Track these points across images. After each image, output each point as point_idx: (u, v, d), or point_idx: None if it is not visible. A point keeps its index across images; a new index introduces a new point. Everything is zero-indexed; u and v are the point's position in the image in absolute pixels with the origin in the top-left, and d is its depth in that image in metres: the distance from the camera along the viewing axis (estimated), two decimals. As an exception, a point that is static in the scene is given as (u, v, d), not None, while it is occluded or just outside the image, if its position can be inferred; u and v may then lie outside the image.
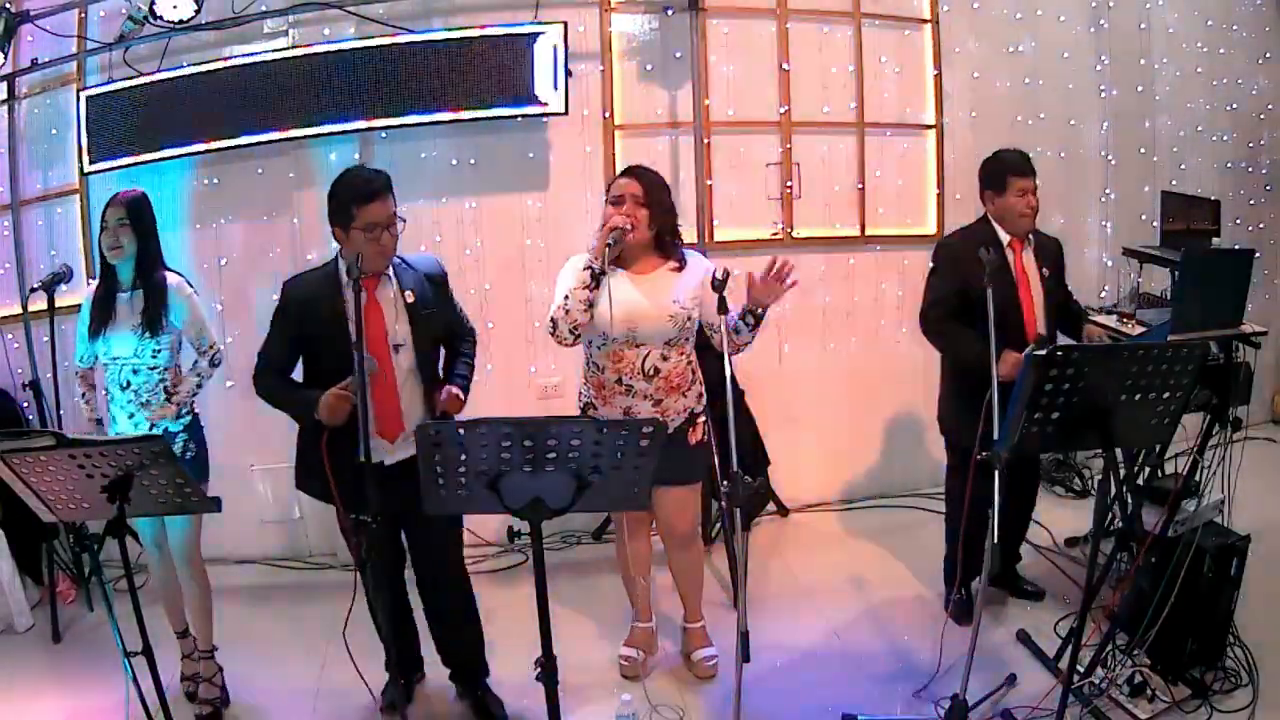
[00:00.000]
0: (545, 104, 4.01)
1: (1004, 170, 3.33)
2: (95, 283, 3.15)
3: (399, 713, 2.74)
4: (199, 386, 3.17)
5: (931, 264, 3.48)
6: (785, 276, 2.84)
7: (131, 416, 3.09)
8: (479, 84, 3.95)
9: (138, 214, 3.05)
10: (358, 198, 2.76)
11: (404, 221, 2.86)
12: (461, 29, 3.96)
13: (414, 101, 3.95)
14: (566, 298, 2.93)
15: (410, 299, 2.89)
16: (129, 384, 3.07)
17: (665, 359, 3.02)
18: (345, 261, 2.73)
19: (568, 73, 4.03)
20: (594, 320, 2.95)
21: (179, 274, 3.16)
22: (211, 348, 3.18)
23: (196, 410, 3.19)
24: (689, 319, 3.04)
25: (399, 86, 3.93)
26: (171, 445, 3.03)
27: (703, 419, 3.17)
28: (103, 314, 3.05)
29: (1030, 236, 3.40)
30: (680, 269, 3.06)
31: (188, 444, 3.13)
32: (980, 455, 2.71)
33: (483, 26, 3.95)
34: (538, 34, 3.94)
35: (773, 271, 2.84)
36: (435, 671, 3.26)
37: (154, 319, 3.04)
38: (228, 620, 3.43)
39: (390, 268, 2.89)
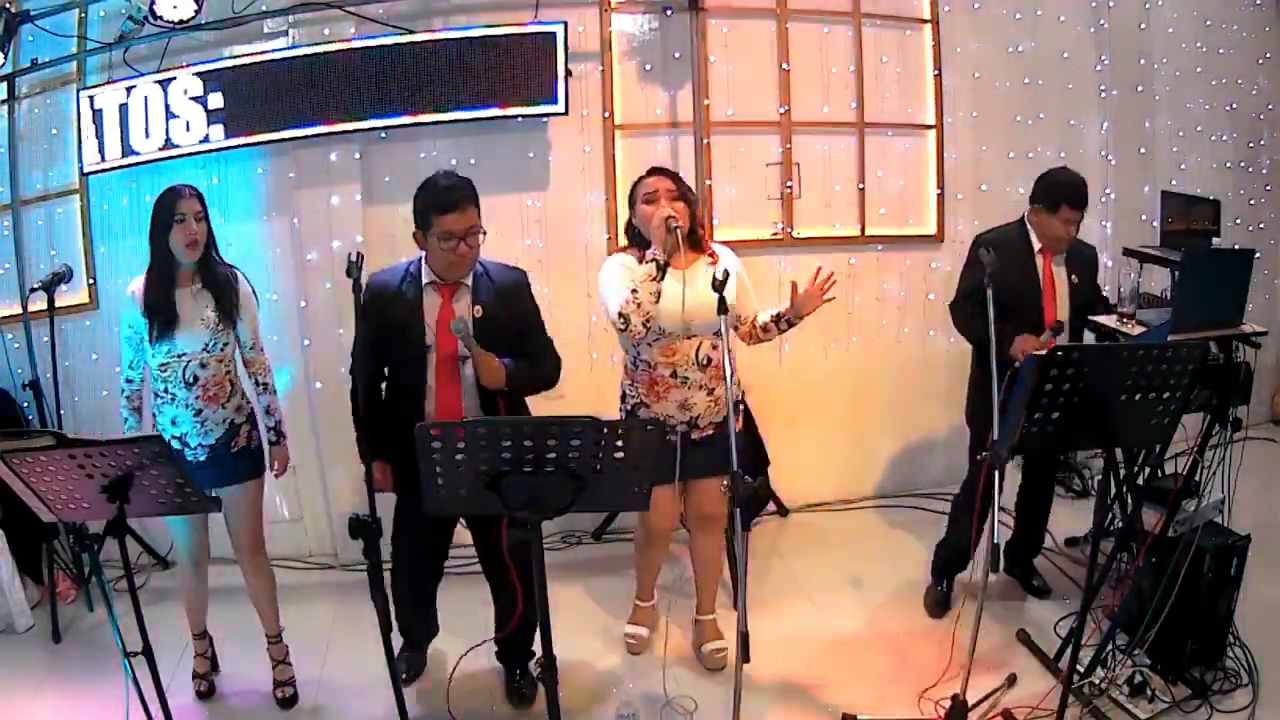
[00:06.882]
0: (545, 104, 4.01)
1: (1061, 198, 3.35)
2: (138, 280, 2.99)
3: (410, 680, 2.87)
4: (275, 392, 3.20)
5: (966, 257, 3.56)
6: (827, 289, 3.02)
7: (199, 414, 3.00)
8: (479, 84, 3.95)
9: (206, 205, 3.00)
10: (437, 206, 2.76)
11: (484, 233, 2.85)
12: (462, 29, 3.96)
13: (413, 101, 3.94)
14: (635, 292, 2.93)
15: (479, 314, 2.84)
16: (197, 379, 2.98)
17: (715, 348, 3.10)
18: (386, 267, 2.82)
19: (568, 73, 4.03)
20: (661, 313, 2.99)
21: (235, 268, 3.12)
22: (263, 351, 3.16)
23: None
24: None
25: (399, 86, 3.92)
26: (236, 435, 3.06)
27: (742, 405, 3.24)
28: (169, 313, 2.94)
29: None
30: (715, 261, 3.15)
31: (251, 433, 3.12)
32: (980, 456, 2.72)
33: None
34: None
35: (817, 283, 3.01)
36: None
37: (231, 310, 3.01)
38: (227, 619, 3.43)
39: (470, 276, 2.88)
